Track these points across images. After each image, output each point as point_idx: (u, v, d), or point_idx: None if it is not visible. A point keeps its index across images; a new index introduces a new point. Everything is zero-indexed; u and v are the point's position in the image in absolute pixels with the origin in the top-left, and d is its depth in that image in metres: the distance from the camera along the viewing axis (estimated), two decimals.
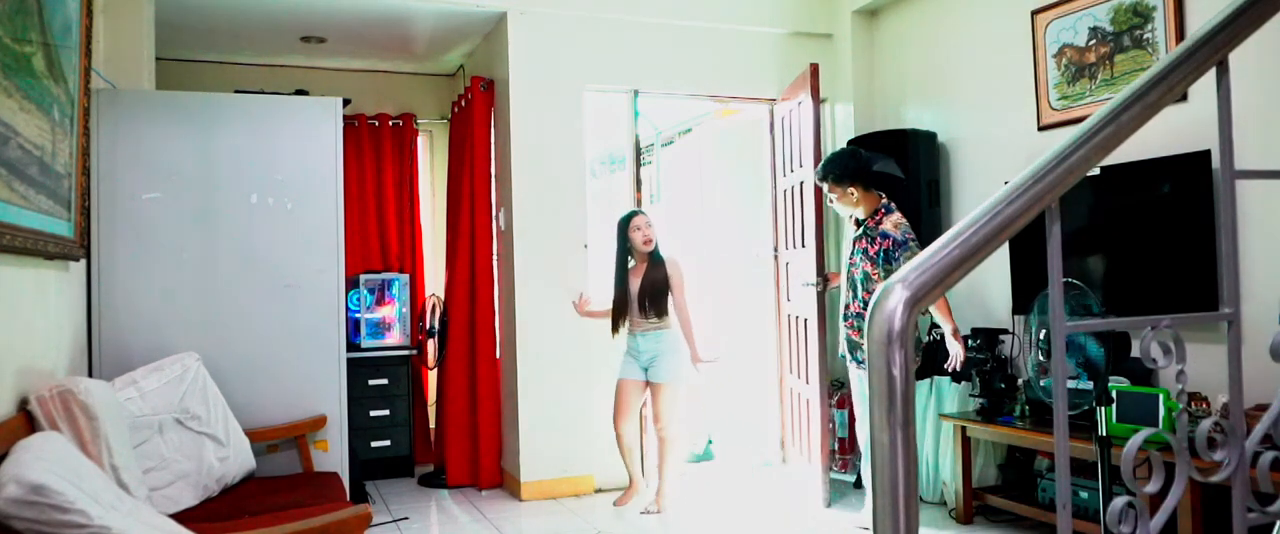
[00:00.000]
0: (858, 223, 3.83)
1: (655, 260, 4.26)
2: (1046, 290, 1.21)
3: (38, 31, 2.41)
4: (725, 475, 5.02)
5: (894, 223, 3.71)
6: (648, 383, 4.23)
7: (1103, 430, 2.66)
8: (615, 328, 4.29)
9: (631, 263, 4.31)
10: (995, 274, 4.12)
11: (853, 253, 3.82)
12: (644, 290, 4.20)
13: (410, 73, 5.88)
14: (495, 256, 4.90)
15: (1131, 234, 3.57)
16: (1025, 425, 3.70)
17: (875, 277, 3.71)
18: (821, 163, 3.87)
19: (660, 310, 4.21)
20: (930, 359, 4.28)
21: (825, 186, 3.83)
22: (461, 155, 5.05)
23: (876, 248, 3.69)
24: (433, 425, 5.49)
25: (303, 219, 3.59)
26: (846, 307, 3.87)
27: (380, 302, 5.43)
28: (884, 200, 3.79)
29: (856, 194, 3.75)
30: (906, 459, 0.97)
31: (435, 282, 5.67)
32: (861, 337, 3.77)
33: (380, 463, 5.15)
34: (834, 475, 4.58)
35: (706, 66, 5.00)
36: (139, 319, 3.35)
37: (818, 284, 4.26)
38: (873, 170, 3.77)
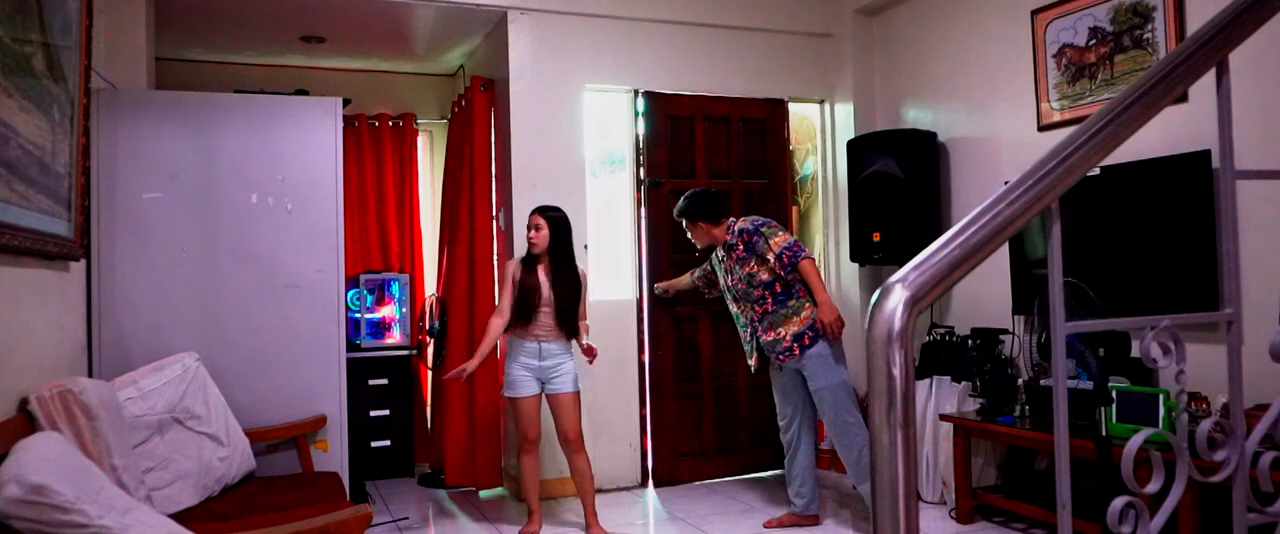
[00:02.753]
0: (721, 250, 4.03)
1: (565, 268, 3.85)
2: (1047, 290, 1.21)
3: (38, 31, 2.41)
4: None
5: (744, 219, 3.97)
6: (546, 396, 3.86)
7: (1103, 430, 2.66)
8: (517, 325, 3.82)
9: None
10: (995, 274, 4.12)
11: (730, 272, 3.97)
12: (560, 308, 3.80)
13: (410, 73, 5.88)
14: (495, 256, 4.89)
15: (1131, 234, 3.57)
16: (1025, 425, 3.70)
17: (756, 270, 3.85)
18: (682, 200, 4.07)
19: (572, 330, 3.84)
20: (930, 359, 4.28)
21: (684, 223, 4.05)
22: (460, 155, 5.05)
23: (742, 248, 3.90)
24: (429, 425, 5.48)
25: (303, 219, 3.59)
26: (751, 321, 3.92)
27: (380, 302, 5.43)
28: (729, 219, 4.02)
29: (705, 228, 4.00)
30: (906, 459, 0.97)
31: (435, 281, 5.67)
32: (775, 333, 3.82)
33: (380, 463, 5.15)
34: (837, 474, 4.58)
35: (707, 66, 5.01)
36: (139, 319, 3.35)
37: (660, 291, 4.66)
38: (721, 206, 4.04)
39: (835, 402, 3.81)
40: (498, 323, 3.88)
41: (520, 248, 4.54)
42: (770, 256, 3.80)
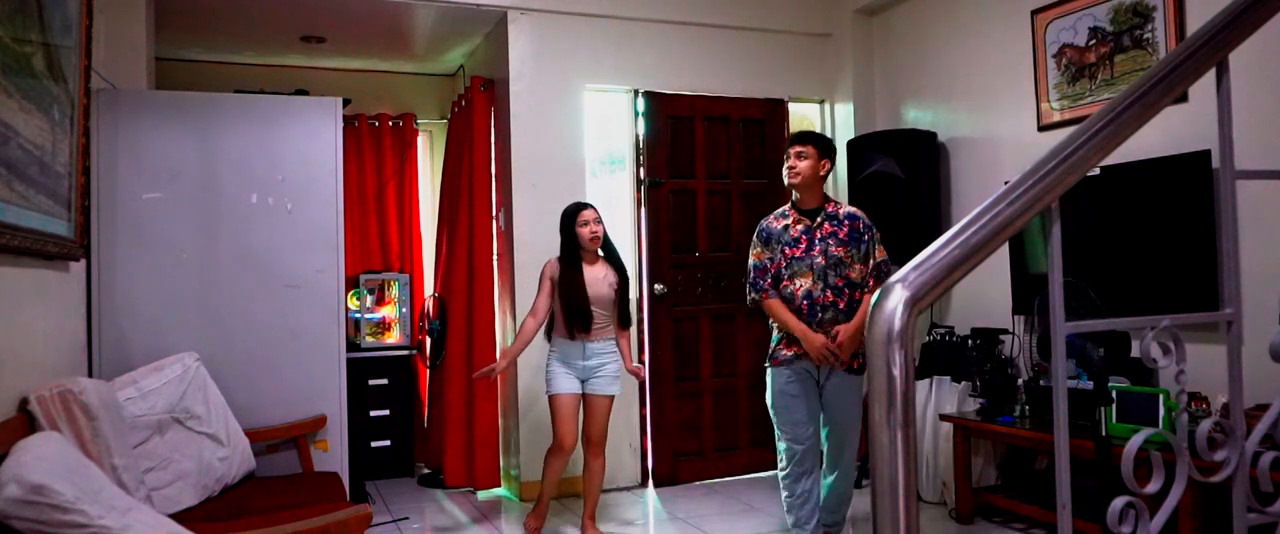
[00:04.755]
0: (802, 213, 3.54)
1: (612, 262, 3.84)
2: (1047, 289, 1.21)
3: (38, 31, 2.41)
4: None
5: (857, 210, 3.58)
6: (583, 396, 3.81)
7: (1103, 430, 2.66)
8: (573, 333, 3.75)
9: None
10: (995, 274, 4.12)
11: (818, 241, 3.49)
12: (607, 303, 3.77)
13: (410, 73, 5.88)
14: (495, 256, 4.90)
15: (1131, 234, 3.57)
16: (1025, 425, 3.70)
17: (850, 261, 3.47)
18: (810, 133, 3.66)
19: (622, 319, 3.83)
20: (930, 359, 4.28)
21: (805, 149, 3.49)
22: (460, 155, 5.05)
23: (846, 231, 3.49)
24: (426, 425, 5.48)
25: (303, 219, 3.59)
26: (813, 298, 3.43)
27: (380, 302, 5.43)
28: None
29: (826, 169, 3.54)
30: (906, 459, 0.97)
31: (433, 281, 5.67)
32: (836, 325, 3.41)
33: (380, 463, 5.15)
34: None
35: (707, 66, 5.01)
36: (139, 319, 3.35)
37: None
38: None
39: (853, 436, 3.54)
40: (531, 323, 3.81)
41: (527, 247, 4.55)
42: (871, 260, 3.50)
